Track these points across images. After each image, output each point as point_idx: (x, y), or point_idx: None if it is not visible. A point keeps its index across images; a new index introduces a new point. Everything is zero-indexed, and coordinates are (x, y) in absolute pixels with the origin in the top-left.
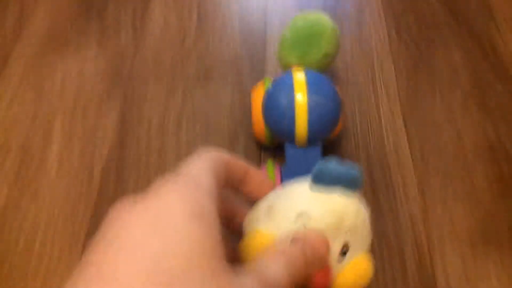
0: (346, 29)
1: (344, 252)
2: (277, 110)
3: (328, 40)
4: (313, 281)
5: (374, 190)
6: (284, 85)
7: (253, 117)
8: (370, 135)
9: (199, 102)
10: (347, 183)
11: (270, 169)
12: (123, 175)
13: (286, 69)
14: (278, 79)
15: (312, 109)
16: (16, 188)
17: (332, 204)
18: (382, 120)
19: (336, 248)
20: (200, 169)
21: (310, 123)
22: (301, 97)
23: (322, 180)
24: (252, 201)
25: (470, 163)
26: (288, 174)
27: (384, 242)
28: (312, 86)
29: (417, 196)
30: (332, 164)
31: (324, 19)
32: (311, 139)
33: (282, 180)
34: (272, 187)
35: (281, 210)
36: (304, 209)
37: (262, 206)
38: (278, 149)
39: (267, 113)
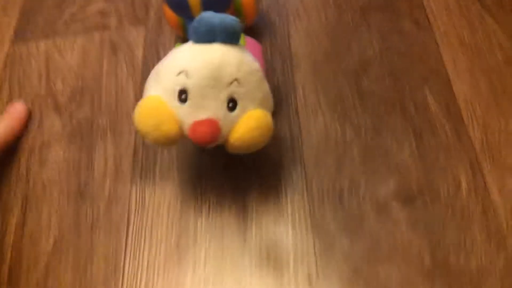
0: None
1: (232, 106)
2: None
3: None
4: (191, 130)
5: None
6: None
7: (165, 12)
8: None
9: None
10: (226, 34)
11: None
12: None
13: None
14: None
15: None
16: None
17: (209, 57)
18: None
19: (221, 102)
20: None
21: None
22: None
23: (199, 33)
24: None
25: None
26: None
27: None
28: None
29: None
30: (207, 15)
31: None
32: (207, 6)
33: None
34: None
35: (165, 72)
36: (183, 65)
37: (151, 76)
38: None
39: None
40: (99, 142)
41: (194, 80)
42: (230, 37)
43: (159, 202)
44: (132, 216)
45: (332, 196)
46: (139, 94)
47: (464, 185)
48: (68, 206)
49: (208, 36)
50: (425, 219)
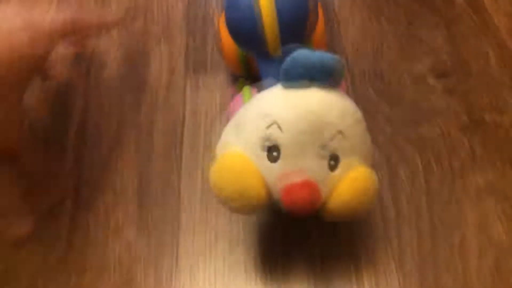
0: None
1: (333, 165)
2: (238, 12)
3: None
4: (285, 196)
5: None
6: None
7: (222, 45)
8: None
9: None
10: (326, 75)
11: (247, 94)
12: None
13: None
14: None
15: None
16: None
17: (306, 105)
18: None
19: (321, 160)
20: None
21: (279, 14)
22: None
23: (293, 74)
24: None
25: None
26: None
27: None
28: None
29: None
30: (303, 53)
31: None
32: (284, 38)
33: None
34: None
35: (249, 122)
36: (273, 116)
37: (230, 126)
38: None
39: (229, 21)
40: (154, 47)
41: (288, 135)
42: (332, 81)
43: (212, 89)
44: (187, 100)
45: (373, 76)
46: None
47: (493, 59)
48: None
49: (304, 78)
50: (460, 87)
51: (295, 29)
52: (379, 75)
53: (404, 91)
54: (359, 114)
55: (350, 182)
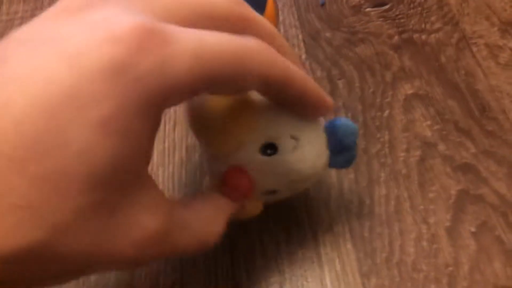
0: None
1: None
2: None
3: None
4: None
5: None
6: None
7: None
8: None
9: None
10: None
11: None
12: None
13: None
14: None
15: None
16: None
17: (319, 160)
18: None
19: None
20: None
21: None
22: None
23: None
24: None
25: None
26: None
27: None
28: None
29: None
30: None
31: None
32: None
33: None
34: None
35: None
36: (300, 134)
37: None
38: None
39: None
40: None
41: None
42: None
43: None
44: None
45: (316, 5)
46: None
47: None
48: None
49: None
50: (392, 14)
51: None
52: (322, 5)
53: (343, 18)
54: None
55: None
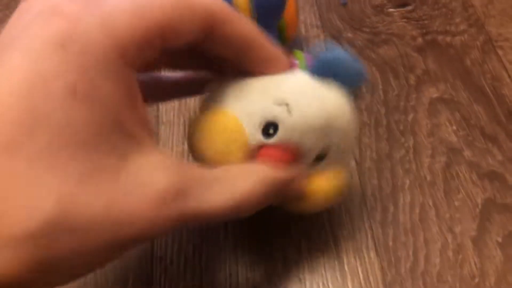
0: None
1: (320, 157)
2: None
3: None
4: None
5: None
6: None
7: None
8: None
9: None
10: (350, 79)
11: (300, 58)
12: None
13: None
14: None
15: None
16: None
17: (326, 101)
18: None
19: (314, 151)
20: None
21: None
22: None
23: (323, 70)
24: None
25: None
26: None
27: None
28: None
29: None
30: (339, 53)
31: None
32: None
33: None
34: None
35: (256, 91)
36: (288, 96)
37: (233, 83)
38: None
39: None
40: None
41: (295, 120)
42: (352, 85)
43: None
44: None
45: (338, 5)
46: None
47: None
48: None
49: (330, 75)
50: (415, 15)
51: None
52: (344, 5)
53: (365, 18)
54: (356, 124)
55: (328, 177)
